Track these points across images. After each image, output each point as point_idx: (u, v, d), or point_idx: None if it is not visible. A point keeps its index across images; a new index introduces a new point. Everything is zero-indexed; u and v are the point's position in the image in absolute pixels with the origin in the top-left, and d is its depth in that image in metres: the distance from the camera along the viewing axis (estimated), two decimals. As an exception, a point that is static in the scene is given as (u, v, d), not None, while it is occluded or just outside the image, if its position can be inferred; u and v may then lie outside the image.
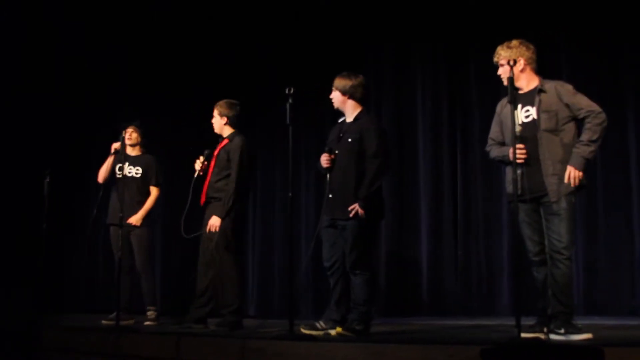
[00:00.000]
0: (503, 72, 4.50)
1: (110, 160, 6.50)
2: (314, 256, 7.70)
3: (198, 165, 5.69)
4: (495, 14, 6.99)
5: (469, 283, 7.14)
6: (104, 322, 6.16)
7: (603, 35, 6.57)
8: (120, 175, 6.40)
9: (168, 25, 8.47)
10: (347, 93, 4.89)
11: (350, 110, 4.94)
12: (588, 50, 6.66)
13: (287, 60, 8.06)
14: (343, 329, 4.66)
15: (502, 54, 4.47)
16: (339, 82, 4.93)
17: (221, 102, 5.81)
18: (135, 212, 6.42)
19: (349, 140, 4.82)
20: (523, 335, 3.80)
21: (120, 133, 6.13)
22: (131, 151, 6.58)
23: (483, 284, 7.08)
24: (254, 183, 8.24)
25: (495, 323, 5.76)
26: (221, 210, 5.50)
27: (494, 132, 4.67)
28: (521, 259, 4.43)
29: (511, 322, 3.99)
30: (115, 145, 6.39)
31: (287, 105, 4.65)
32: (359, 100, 4.93)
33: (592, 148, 4.26)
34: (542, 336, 4.12)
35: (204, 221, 5.67)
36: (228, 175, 5.58)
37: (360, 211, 4.64)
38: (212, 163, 5.71)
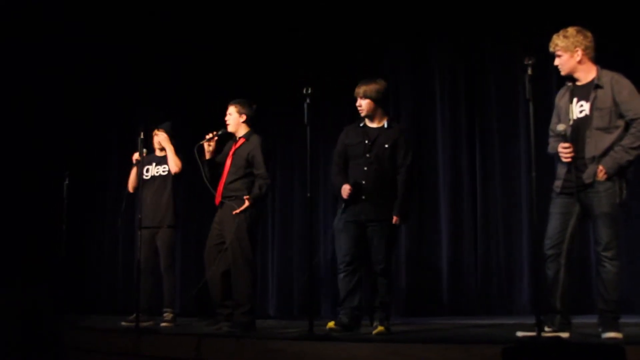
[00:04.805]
0: (560, 62, 4.21)
1: (134, 170, 6.48)
2: (332, 256, 7.73)
3: (209, 135, 5.54)
4: (513, 11, 6.92)
5: (489, 282, 7.12)
6: (123, 323, 6.15)
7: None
8: (148, 177, 6.42)
9: (187, 25, 8.50)
10: (378, 101, 4.91)
11: (379, 117, 4.96)
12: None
13: (304, 61, 8.06)
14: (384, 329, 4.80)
15: (559, 44, 4.17)
16: (368, 88, 4.88)
17: (239, 100, 5.68)
18: (165, 210, 6.33)
19: (386, 146, 4.85)
20: (520, 333, 3.88)
21: (139, 136, 6.00)
22: (160, 153, 6.58)
23: (503, 283, 7.06)
24: (273, 183, 8.24)
25: (516, 322, 5.71)
26: (255, 194, 5.40)
27: (553, 123, 4.36)
28: (541, 258, 4.35)
29: (531, 321, 3.97)
30: (136, 157, 6.35)
31: (305, 105, 4.65)
32: (385, 108, 5.02)
33: (630, 156, 4.01)
34: (547, 334, 4.07)
35: (218, 221, 5.51)
36: (245, 176, 5.47)
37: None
38: (229, 162, 5.58)
